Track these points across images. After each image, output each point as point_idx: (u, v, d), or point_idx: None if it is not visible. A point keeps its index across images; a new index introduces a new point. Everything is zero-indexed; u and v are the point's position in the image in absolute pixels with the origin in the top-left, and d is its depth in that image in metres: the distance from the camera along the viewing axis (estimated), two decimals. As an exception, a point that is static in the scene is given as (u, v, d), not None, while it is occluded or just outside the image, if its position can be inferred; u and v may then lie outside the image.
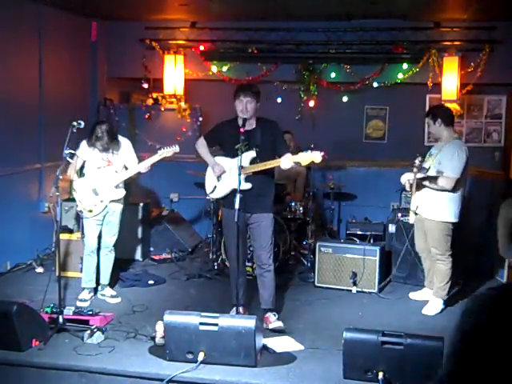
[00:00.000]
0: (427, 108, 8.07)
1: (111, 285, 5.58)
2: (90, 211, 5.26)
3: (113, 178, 5.28)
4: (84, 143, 5.29)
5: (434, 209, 5.16)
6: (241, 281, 4.71)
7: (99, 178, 5.26)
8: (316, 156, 4.27)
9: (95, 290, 5.46)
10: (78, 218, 5.78)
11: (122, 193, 5.36)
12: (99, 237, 5.39)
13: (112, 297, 5.40)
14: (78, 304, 5.11)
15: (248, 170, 4.52)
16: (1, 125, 6.13)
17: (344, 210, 7.11)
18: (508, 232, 5.82)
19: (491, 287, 1.55)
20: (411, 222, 5.39)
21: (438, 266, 5.26)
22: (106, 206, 5.29)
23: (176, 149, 5.30)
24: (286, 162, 4.36)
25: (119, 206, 5.40)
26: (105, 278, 5.47)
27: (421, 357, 3.57)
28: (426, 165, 5.14)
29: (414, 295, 5.61)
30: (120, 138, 5.39)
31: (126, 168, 5.36)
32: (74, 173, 5.34)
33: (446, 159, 5.06)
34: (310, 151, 4.29)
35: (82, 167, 5.39)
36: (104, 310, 4.83)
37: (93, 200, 5.26)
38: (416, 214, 5.24)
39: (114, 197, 5.30)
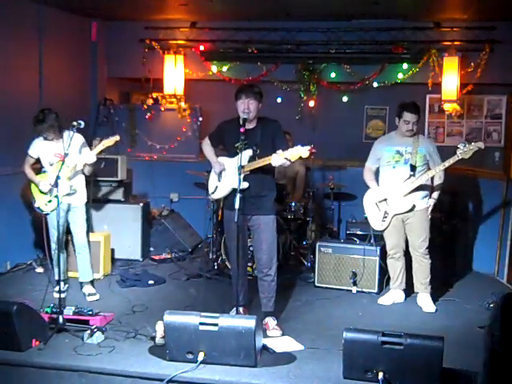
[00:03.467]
0: (428, 107, 8.09)
1: (92, 282, 5.59)
2: (46, 205, 5.29)
3: (64, 172, 5.21)
4: (35, 141, 5.37)
5: (424, 199, 5.26)
6: (241, 282, 4.70)
7: (52, 174, 5.23)
8: (303, 151, 4.26)
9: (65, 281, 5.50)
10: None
11: (76, 187, 5.36)
12: (67, 235, 5.46)
13: (90, 295, 5.40)
14: (56, 295, 4.97)
15: (245, 168, 4.51)
16: (1, 125, 6.14)
17: (344, 210, 7.10)
18: None
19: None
20: (383, 227, 5.36)
21: (423, 262, 5.31)
22: (61, 203, 5.15)
23: (116, 137, 5.31)
24: (277, 158, 4.34)
25: (80, 202, 5.42)
26: (84, 276, 5.49)
27: (421, 357, 3.57)
28: (411, 161, 5.19)
29: (384, 300, 5.48)
30: (72, 133, 5.10)
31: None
32: (30, 170, 5.42)
33: (433, 153, 5.25)
34: (299, 146, 4.29)
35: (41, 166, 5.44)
36: (104, 310, 4.82)
37: (47, 196, 5.28)
38: (406, 212, 5.25)
39: (68, 191, 5.28)
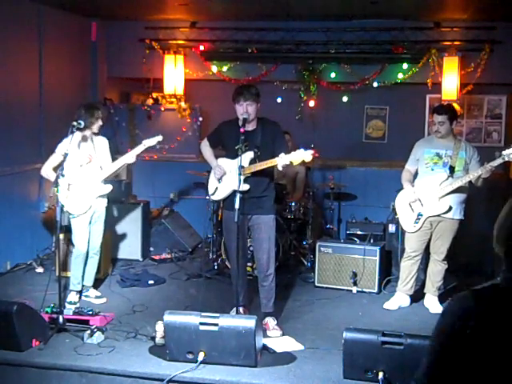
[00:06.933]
0: (428, 107, 8.09)
1: (95, 286, 5.54)
2: (78, 209, 5.17)
3: (97, 173, 5.24)
4: (66, 140, 5.10)
5: (461, 208, 5.19)
6: (241, 282, 4.70)
7: (83, 176, 5.20)
8: (306, 155, 4.26)
9: (80, 292, 5.42)
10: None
11: (108, 188, 5.31)
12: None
13: (97, 297, 5.37)
14: (68, 307, 4.92)
15: (246, 170, 4.51)
16: (1, 125, 6.13)
17: (344, 210, 7.11)
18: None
19: (472, 289, 1.59)
20: (415, 229, 5.21)
21: (440, 266, 5.30)
22: (91, 206, 5.23)
23: (159, 138, 5.29)
24: (282, 161, 4.34)
25: (104, 203, 5.36)
26: (89, 279, 5.42)
27: (421, 357, 3.55)
28: (451, 163, 5.10)
29: (390, 305, 5.36)
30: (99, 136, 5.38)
31: (101, 168, 5.32)
32: (52, 171, 5.21)
33: (474, 159, 5.13)
34: (302, 149, 4.29)
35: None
36: (104, 310, 4.83)
37: (79, 198, 5.19)
38: (443, 214, 5.14)
39: (101, 192, 5.25)
